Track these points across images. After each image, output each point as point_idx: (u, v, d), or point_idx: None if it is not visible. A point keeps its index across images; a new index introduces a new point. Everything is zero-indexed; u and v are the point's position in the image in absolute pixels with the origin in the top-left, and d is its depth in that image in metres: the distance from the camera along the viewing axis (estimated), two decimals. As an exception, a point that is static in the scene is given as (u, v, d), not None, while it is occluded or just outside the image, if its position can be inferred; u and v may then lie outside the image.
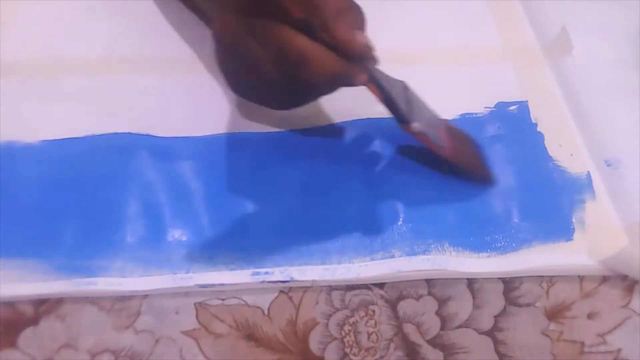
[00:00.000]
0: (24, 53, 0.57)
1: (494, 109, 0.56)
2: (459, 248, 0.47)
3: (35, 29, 0.60)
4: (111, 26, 0.60)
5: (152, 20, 0.61)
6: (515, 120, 0.55)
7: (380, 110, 0.53)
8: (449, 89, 0.57)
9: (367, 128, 0.54)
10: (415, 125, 0.46)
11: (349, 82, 0.45)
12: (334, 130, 0.54)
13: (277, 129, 0.53)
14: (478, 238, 0.47)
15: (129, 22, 0.60)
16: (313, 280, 0.45)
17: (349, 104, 0.54)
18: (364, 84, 0.45)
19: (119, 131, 0.52)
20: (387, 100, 0.46)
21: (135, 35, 0.60)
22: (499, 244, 0.47)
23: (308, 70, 0.42)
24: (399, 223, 0.48)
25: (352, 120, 0.54)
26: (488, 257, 0.46)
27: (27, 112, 0.53)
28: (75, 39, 0.59)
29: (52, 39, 0.59)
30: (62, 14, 0.61)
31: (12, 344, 0.42)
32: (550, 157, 0.52)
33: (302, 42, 0.42)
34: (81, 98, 0.54)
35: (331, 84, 0.46)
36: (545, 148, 0.53)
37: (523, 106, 0.56)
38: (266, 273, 0.45)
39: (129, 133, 0.52)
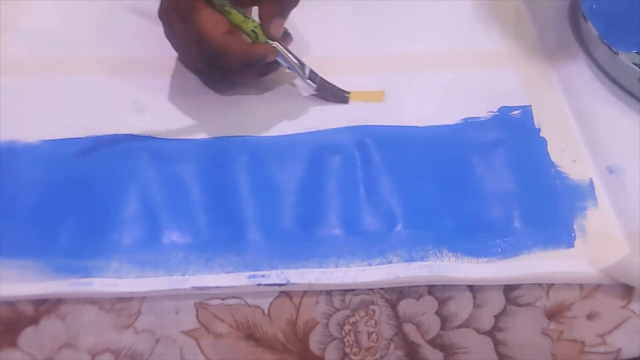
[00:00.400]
0: (24, 53, 0.62)
1: (497, 113, 0.60)
2: (458, 254, 0.51)
3: (36, 29, 0.64)
4: (112, 27, 0.65)
5: (153, 20, 0.64)
6: (518, 125, 0.60)
7: (380, 118, 0.59)
8: (453, 93, 0.62)
9: (367, 134, 0.58)
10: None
11: (261, 62, 0.56)
12: (333, 136, 0.58)
13: (275, 134, 0.58)
14: (477, 243, 0.52)
15: (129, 22, 0.66)
16: (309, 284, 0.49)
17: (350, 110, 0.60)
18: (275, 64, 0.58)
19: (119, 132, 0.57)
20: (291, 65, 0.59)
21: (136, 36, 0.64)
22: (498, 249, 0.51)
23: (225, 60, 0.54)
24: (398, 229, 0.52)
25: (352, 126, 0.59)
26: (487, 262, 0.51)
27: (27, 112, 0.58)
28: (75, 39, 0.64)
29: (53, 39, 0.64)
30: (62, 14, 0.66)
31: (12, 343, 0.46)
32: (553, 163, 0.57)
33: (215, 36, 0.54)
34: (82, 98, 0.59)
35: (247, 67, 0.56)
36: (548, 154, 0.57)
37: (526, 111, 0.61)
38: (262, 276, 0.49)
39: (130, 134, 0.56)
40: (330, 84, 0.61)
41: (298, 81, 0.61)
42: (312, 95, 0.61)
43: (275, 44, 0.56)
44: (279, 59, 0.57)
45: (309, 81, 0.59)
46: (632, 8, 0.68)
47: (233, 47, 0.54)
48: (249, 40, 0.56)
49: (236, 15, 0.55)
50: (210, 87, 0.61)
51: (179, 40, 0.56)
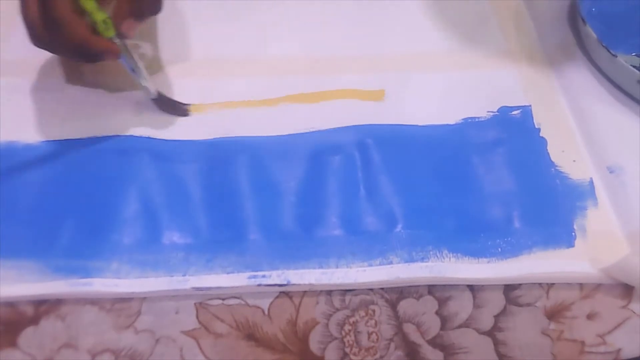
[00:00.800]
0: (25, 53, 0.60)
1: (497, 113, 0.61)
2: (458, 254, 0.51)
3: None
4: None
5: (153, 20, 0.66)
6: (518, 125, 0.60)
7: (380, 117, 0.59)
8: (453, 93, 0.63)
9: (367, 133, 0.58)
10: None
11: (99, 55, 0.53)
12: (333, 136, 0.58)
13: (275, 133, 0.58)
14: (477, 243, 0.52)
15: None
16: (310, 284, 0.49)
17: (350, 110, 0.60)
18: (114, 59, 0.54)
19: (119, 133, 0.57)
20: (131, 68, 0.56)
21: (137, 37, 0.63)
22: (499, 249, 0.52)
23: (60, 32, 0.50)
24: (398, 229, 0.52)
25: (352, 125, 0.59)
26: (488, 262, 0.51)
27: (27, 113, 0.58)
28: None
29: None
30: None
31: (12, 343, 0.46)
32: (553, 162, 0.57)
33: (62, 8, 0.50)
34: (82, 98, 0.59)
35: (78, 51, 0.52)
36: (548, 153, 0.58)
37: (526, 111, 0.61)
38: (263, 276, 0.49)
39: (130, 135, 0.57)
40: (168, 97, 0.60)
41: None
42: (152, 104, 0.59)
43: (120, 44, 0.54)
44: (121, 60, 0.55)
45: (146, 88, 0.57)
46: (631, 11, 0.68)
47: (74, 24, 0.51)
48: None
49: (89, 2, 0.52)
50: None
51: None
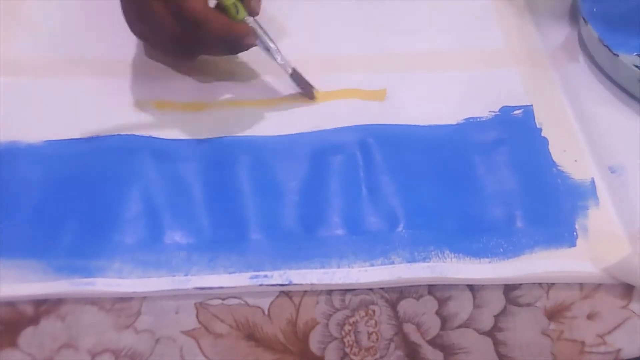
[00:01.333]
0: (27, 53, 0.62)
1: (498, 113, 0.61)
2: (460, 254, 0.51)
3: (39, 29, 0.65)
4: (114, 27, 0.64)
5: None
6: (519, 125, 0.60)
7: (382, 117, 0.59)
8: (454, 93, 0.63)
9: (368, 133, 0.58)
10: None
11: (240, 43, 0.56)
12: (335, 135, 0.58)
13: (277, 133, 0.58)
14: (479, 243, 0.52)
15: None
16: (312, 284, 0.49)
17: (351, 110, 0.60)
18: (252, 46, 0.56)
19: (121, 132, 0.57)
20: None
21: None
22: (500, 249, 0.52)
23: (203, 30, 0.53)
24: (400, 229, 0.52)
25: (354, 125, 0.59)
26: (489, 262, 0.51)
27: (29, 113, 0.58)
28: (78, 39, 0.64)
29: (55, 39, 0.64)
30: (64, 14, 0.67)
31: (12, 343, 0.46)
32: (555, 162, 0.57)
33: (197, 6, 0.52)
34: (84, 98, 0.60)
35: (223, 43, 0.56)
36: (550, 153, 0.58)
37: (528, 111, 0.61)
38: (265, 276, 0.49)
39: (131, 134, 0.57)
40: (301, 75, 0.61)
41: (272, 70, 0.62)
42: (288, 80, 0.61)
43: (254, 23, 0.56)
44: (257, 42, 0.57)
45: (282, 64, 0.59)
46: (633, 11, 0.68)
47: (214, 19, 0.53)
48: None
49: None
50: (161, 48, 0.62)
51: (151, 19, 0.55)
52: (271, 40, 0.58)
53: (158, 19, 0.54)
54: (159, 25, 0.55)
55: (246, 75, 0.63)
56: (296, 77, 0.60)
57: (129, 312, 0.48)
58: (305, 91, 0.61)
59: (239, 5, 0.55)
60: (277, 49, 0.58)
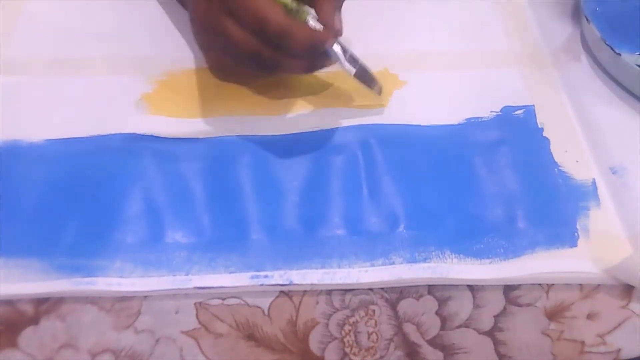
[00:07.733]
0: (28, 53, 0.63)
1: (499, 113, 0.61)
2: (461, 255, 0.52)
3: (40, 28, 0.65)
4: (115, 26, 0.66)
5: (155, 20, 0.67)
6: (521, 125, 0.60)
7: (383, 117, 0.60)
8: (456, 93, 0.63)
9: (370, 133, 0.59)
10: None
11: (321, 48, 0.54)
12: (336, 135, 0.59)
13: (278, 133, 0.58)
14: (480, 244, 0.52)
15: (132, 22, 0.66)
16: (312, 284, 0.50)
17: (352, 110, 0.61)
18: (330, 47, 0.54)
19: (122, 131, 0.57)
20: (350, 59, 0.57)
21: (139, 35, 0.65)
22: (501, 250, 0.52)
23: (287, 42, 0.52)
24: (400, 229, 0.53)
25: (355, 125, 0.59)
26: (490, 263, 0.51)
27: (31, 112, 0.58)
28: (78, 39, 0.65)
29: (56, 39, 0.64)
30: (65, 13, 0.67)
31: (12, 343, 0.47)
32: (556, 163, 0.57)
33: (279, 18, 0.51)
34: (85, 98, 0.60)
35: (308, 52, 0.54)
36: (551, 153, 0.58)
37: (529, 111, 0.61)
38: (265, 276, 0.50)
39: (133, 134, 0.57)
40: (366, 68, 0.58)
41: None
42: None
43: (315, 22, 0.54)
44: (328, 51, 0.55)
45: (348, 65, 0.56)
46: (636, 10, 0.68)
47: (296, 29, 0.52)
48: None
49: (291, 3, 0.54)
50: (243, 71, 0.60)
51: (225, 38, 0.54)
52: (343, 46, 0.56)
53: (233, 37, 0.53)
54: (234, 44, 0.54)
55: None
56: (361, 73, 0.58)
57: (129, 312, 0.48)
58: (371, 86, 0.59)
59: (300, 7, 0.54)
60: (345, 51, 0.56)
